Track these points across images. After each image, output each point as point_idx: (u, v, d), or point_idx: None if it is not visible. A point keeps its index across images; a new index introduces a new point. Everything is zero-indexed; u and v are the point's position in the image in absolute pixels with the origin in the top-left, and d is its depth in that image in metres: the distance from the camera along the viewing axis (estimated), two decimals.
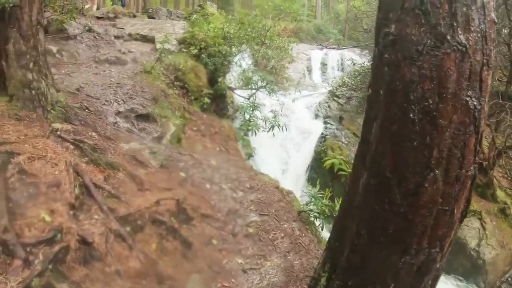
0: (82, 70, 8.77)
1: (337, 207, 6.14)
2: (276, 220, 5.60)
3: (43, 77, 5.68)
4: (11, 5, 5.09)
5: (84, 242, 3.81)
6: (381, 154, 2.55)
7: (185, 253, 4.41)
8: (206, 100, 9.55)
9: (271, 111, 10.22)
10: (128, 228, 4.24)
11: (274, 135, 9.92)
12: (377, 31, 2.58)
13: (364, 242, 2.82)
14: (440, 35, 2.26)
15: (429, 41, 2.27)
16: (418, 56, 2.29)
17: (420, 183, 2.44)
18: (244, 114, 9.99)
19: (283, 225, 5.57)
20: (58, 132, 5.23)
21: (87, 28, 10.61)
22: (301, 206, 6.52)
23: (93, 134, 5.87)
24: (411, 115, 2.34)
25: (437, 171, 2.41)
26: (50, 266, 3.52)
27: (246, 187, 6.19)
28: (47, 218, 3.80)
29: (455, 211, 2.57)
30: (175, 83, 9.31)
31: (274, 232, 5.33)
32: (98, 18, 13.00)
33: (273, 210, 5.78)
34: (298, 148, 13.69)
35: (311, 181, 13.41)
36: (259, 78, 10.76)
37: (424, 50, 2.28)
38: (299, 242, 5.34)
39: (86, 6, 14.04)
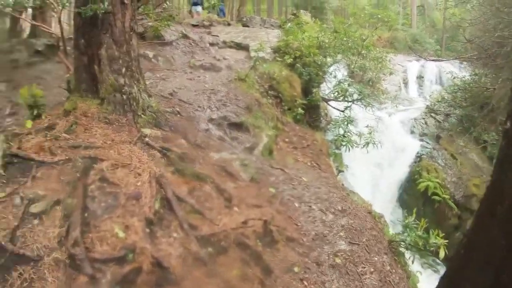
0: (177, 75, 8.90)
1: (431, 240, 5.57)
2: (367, 251, 5.10)
3: (135, 82, 5.72)
4: (103, 11, 5.17)
5: (158, 264, 3.58)
6: None
7: (264, 281, 4.03)
8: (300, 110, 9.29)
9: (366, 126, 9.70)
10: (210, 249, 3.97)
11: (368, 152, 9.41)
12: None
13: None
14: None
15: None
16: None
17: None
18: (338, 128, 9.58)
19: (374, 257, 5.05)
20: (146, 139, 5.19)
21: (181, 35, 10.86)
22: (392, 234, 6.00)
23: (183, 141, 5.76)
24: None
25: None
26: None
27: (337, 209, 5.75)
28: (121, 234, 3.65)
29: None
30: (269, 92, 9.16)
31: (363, 266, 4.83)
32: (194, 25, 13.50)
33: (364, 239, 5.27)
34: (391, 166, 13.00)
35: (401, 202, 12.68)
36: (355, 90, 10.30)
37: None
38: (389, 280, 4.80)
39: (194, 18, 14.57)
